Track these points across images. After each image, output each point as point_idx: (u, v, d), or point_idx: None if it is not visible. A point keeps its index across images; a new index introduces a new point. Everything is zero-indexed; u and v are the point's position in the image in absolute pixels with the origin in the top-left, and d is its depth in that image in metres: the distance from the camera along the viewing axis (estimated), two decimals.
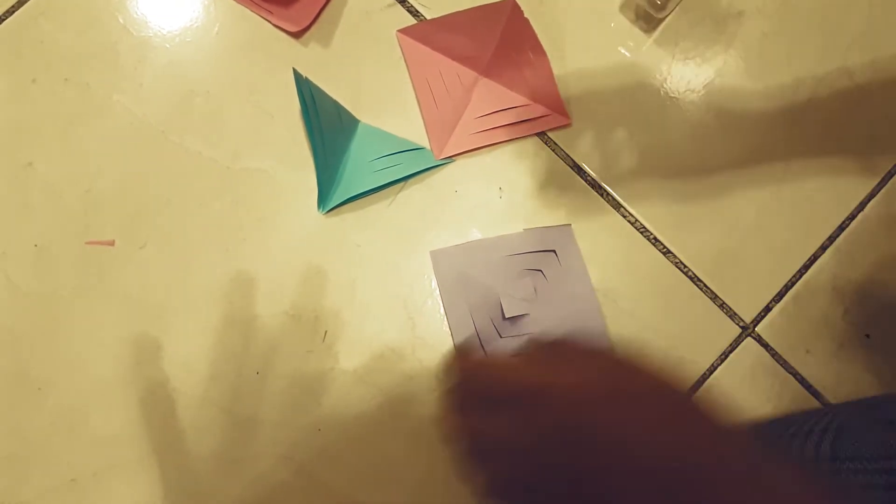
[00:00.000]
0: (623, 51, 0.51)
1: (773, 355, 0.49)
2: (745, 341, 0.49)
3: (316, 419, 0.46)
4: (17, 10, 0.49)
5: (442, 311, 0.48)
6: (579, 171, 0.50)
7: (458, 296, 0.47)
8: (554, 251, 0.47)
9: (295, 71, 0.43)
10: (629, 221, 0.49)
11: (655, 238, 0.49)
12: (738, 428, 0.28)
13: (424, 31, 0.50)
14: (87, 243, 0.47)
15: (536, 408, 0.29)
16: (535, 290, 0.47)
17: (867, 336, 0.49)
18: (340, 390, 0.47)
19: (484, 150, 0.49)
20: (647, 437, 0.27)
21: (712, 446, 0.27)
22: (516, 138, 0.49)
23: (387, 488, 0.46)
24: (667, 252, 0.49)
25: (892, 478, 0.33)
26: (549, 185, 0.49)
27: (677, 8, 0.50)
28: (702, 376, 0.48)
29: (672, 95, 0.50)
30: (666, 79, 0.50)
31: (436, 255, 0.47)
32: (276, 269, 0.47)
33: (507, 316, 0.46)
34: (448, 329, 0.47)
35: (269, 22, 0.50)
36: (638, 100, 0.50)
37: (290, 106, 0.49)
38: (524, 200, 0.49)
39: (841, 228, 0.50)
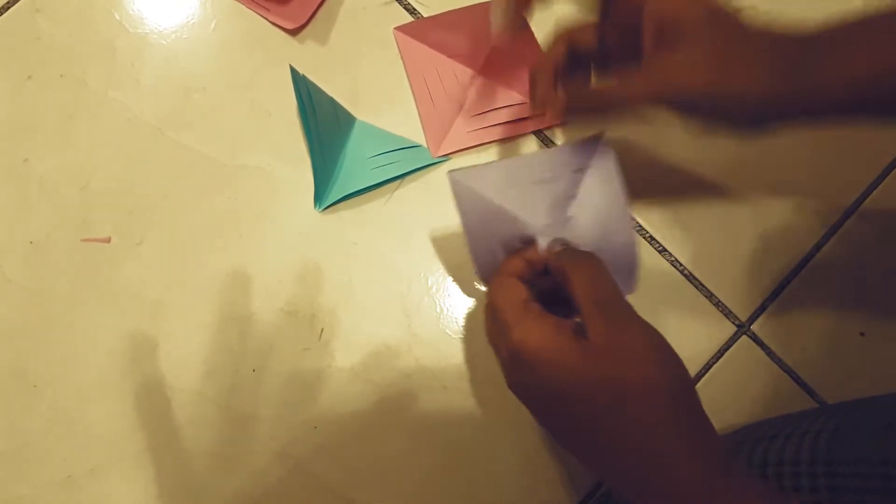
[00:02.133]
0: None
1: (768, 353, 0.49)
2: (740, 339, 0.49)
3: (312, 416, 0.46)
4: (12, 5, 0.49)
5: (438, 308, 0.48)
6: None
7: (481, 225, 0.39)
8: (589, 170, 0.38)
9: (292, 68, 0.43)
10: None
11: (651, 237, 0.49)
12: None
13: (421, 29, 0.50)
14: (83, 240, 0.47)
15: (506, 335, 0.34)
16: (570, 219, 0.38)
17: (862, 334, 0.49)
18: (337, 387, 0.47)
19: (480, 148, 0.49)
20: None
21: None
22: (513, 136, 0.49)
23: (383, 486, 0.46)
24: (662, 250, 0.49)
25: (888, 483, 0.33)
26: None
27: None
28: (697, 375, 0.48)
29: None
30: None
31: (455, 178, 0.38)
32: (273, 266, 0.47)
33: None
34: (443, 327, 0.47)
35: (266, 19, 0.50)
36: None
37: (286, 103, 0.49)
38: None
39: (837, 226, 0.50)
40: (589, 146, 0.37)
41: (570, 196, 0.38)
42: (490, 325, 0.37)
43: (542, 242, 0.37)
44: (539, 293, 0.36)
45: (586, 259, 0.35)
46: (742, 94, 0.32)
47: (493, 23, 0.40)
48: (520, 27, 0.40)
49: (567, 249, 0.36)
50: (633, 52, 0.35)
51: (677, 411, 0.30)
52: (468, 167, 0.38)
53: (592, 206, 0.37)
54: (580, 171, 0.38)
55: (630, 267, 0.39)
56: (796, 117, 0.33)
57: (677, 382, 0.31)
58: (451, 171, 0.38)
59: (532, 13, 0.40)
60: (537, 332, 0.32)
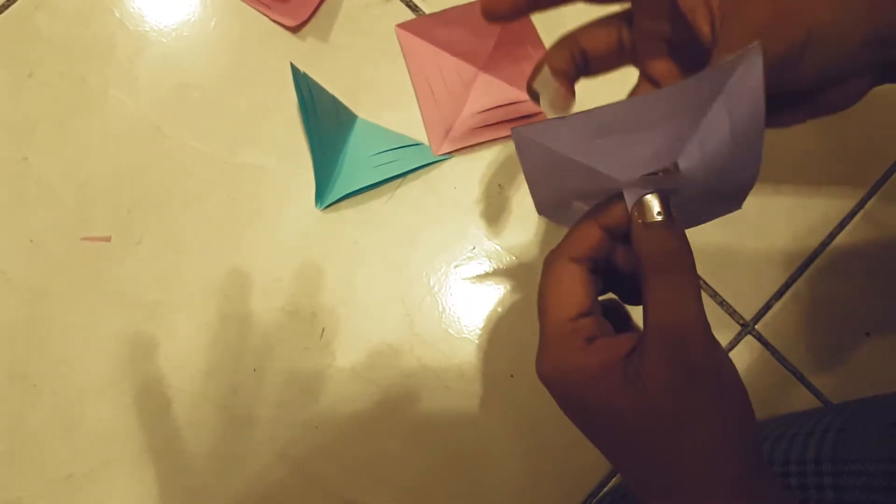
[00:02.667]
0: None
1: (773, 353, 0.49)
2: (745, 339, 0.49)
3: (313, 416, 0.46)
4: (12, 4, 0.49)
5: (440, 308, 0.47)
6: None
7: (552, 188, 0.30)
8: (721, 97, 0.26)
9: (292, 66, 0.43)
10: None
11: None
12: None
13: (423, 26, 0.49)
14: (82, 239, 0.47)
15: None
16: (679, 164, 0.28)
17: (867, 334, 0.49)
18: (337, 387, 0.46)
19: (483, 146, 0.49)
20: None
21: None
22: None
23: (384, 486, 0.46)
24: None
25: (893, 482, 0.33)
26: None
27: None
28: None
29: None
30: None
31: (520, 134, 0.27)
32: (273, 265, 0.47)
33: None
34: (445, 327, 0.47)
35: (267, 16, 0.49)
36: None
37: (287, 101, 0.48)
38: (524, 197, 0.48)
39: (841, 226, 0.50)
40: (728, 68, 0.25)
41: (685, 136, 0.28)
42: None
43: (630, 199, 0.27)
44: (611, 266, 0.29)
45: (678, 274, 0.27)
46: (853, 19, 0.26)
47: (542, 99, 0.33)
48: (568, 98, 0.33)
49: (659, 237, 0.27)
50: (671, 47, 0.30)
51: (732, 474, 0.25)
52: (538, 122, 0.29)
53: (715, 140, 0.28)
54: (709, 101, 0.27)
55: (741, 195, 0.32)
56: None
57: (738, 443, 0.25)
58: (515, 128, 0.28)
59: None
60: (574, 372, 0.26)
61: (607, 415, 0.26)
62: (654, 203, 0.27)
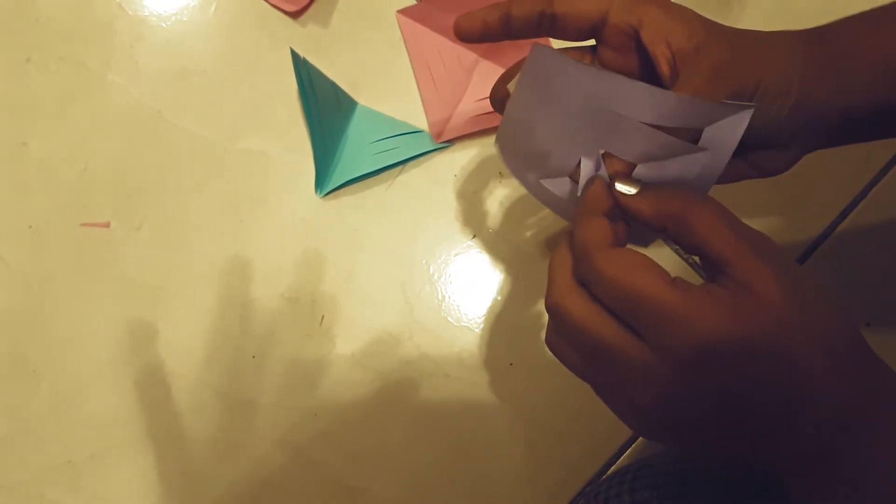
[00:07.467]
0: None
1: None
2: None
3: (313, 403, 0.46)
4: None
5: (440, 296, 0.47)
6: None
7: (524, 121, 0.31)
8: (701, 144, 0.29)
9: (292, 51, 0.43)
10: None
11: None
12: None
13: (424, 12, 0.49)
14: (82, 225, 0.47)
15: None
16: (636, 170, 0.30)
17: (867, 324, 0.49)
18: (338, 374, 0.46)
19: (484, 133, 0.49)
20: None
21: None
22: None
23: (384, 473, 0.46)
24: (667, 238, 0.48)
25: None
26: None
27: None
28: None
29: None
30: None
31: (539, 55, 0.28)
32: (273, 252, 0.47)
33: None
34: (445, 315, 0.47)
35: (267, 1, 0.49)
36: None
37: (287, 87, 0.48)
38: None
39: (842, 216, 0.50)
40: (719, 111, 0.27)
41: (653, 151, 0.29)
42: (593, 326, 0.26)
43: (585, 166, 0.29)
44: None
45: (704, 198, 0.27)
46: (784, 79, 0.28)
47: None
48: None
49: (667, 189, 0.27)
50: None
51: (870, 354, 0.27)
52: (562, 51, 0.30)
53: (676, 171, 0.29)
54: (690, 132, 0.28)
55: None
56: (833, 118, 0.30)
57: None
58: (538, 45, 0.28)
59: None
60: (713, 321, 0.24)
61: (751, 360, 0.24)
62: (627, 184, 0.29)
